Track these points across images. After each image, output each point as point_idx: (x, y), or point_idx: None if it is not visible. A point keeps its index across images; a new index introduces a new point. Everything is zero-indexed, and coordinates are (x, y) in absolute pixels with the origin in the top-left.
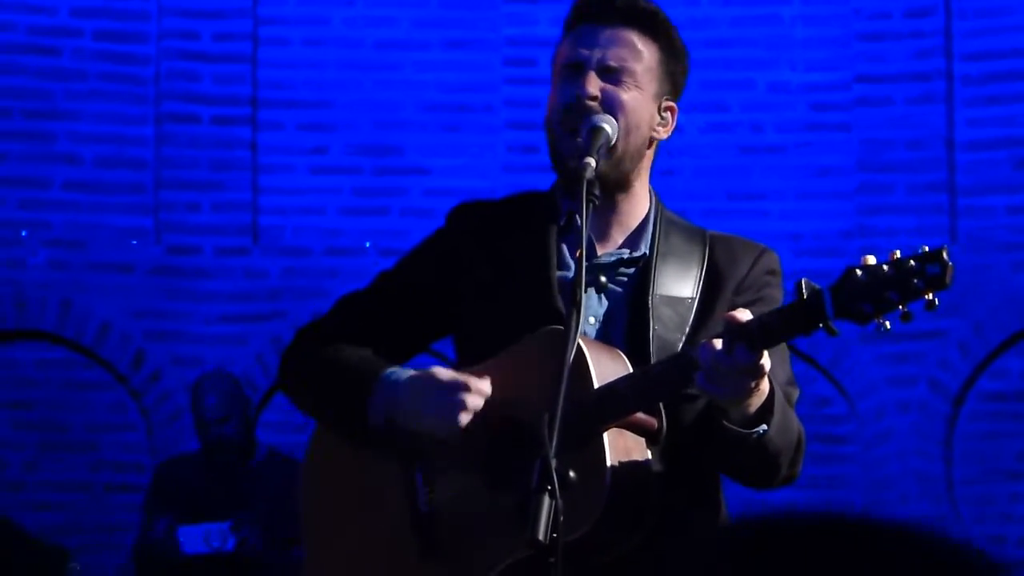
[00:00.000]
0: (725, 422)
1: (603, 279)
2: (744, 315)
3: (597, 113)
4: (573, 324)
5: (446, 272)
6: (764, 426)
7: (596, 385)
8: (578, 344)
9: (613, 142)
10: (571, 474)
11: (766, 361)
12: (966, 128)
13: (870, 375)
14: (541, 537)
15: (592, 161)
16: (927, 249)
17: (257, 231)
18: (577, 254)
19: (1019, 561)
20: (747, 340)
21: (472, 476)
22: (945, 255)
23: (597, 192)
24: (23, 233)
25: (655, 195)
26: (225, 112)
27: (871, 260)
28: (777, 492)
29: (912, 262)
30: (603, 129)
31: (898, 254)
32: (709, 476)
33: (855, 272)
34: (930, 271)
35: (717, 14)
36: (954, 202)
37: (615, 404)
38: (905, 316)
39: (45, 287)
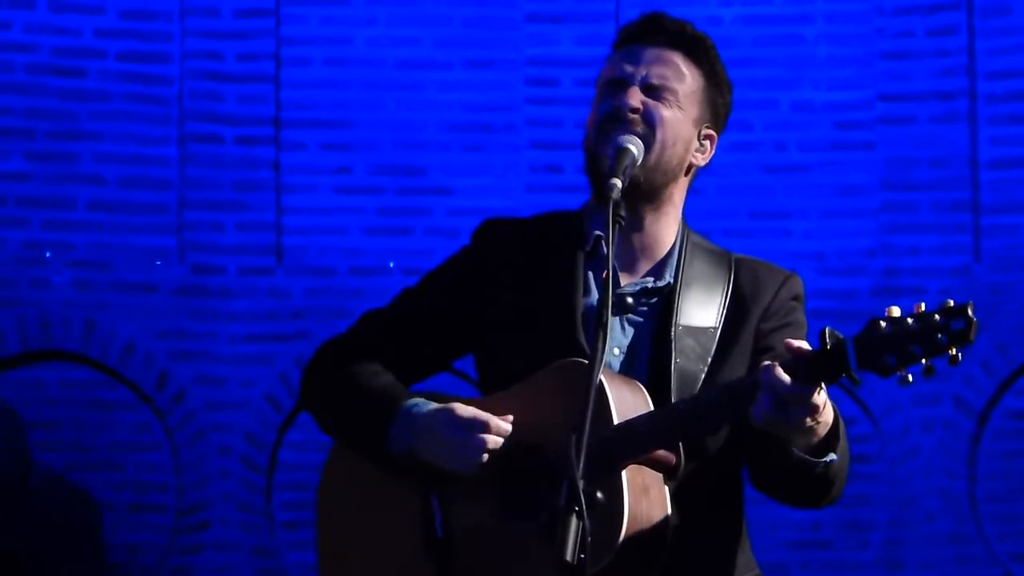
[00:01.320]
0: (795, 450)
1: (627, 308)
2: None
3: (637, 125)
4: (599, 351)
5: (470, 292)
6: (833, 455)
7: (616, 420)
8: (599, 378)
9: (639, 162)
10: (598, 495)
11: (821, 398)
12: (990, 147)
13: (894, 394)
14: (569, 558)
15: (618, 182)
16: (952, 304)
17: (281, 251)
18: (604, 278)
19: None
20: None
21: (488, 504)
22: (970, 311)
23: (623, 213)
24: (47, 254)
25: (684, 223)
26: (248, 132)
27: (895, 312)
28: (802, 512)
29: (937, 316)
30: (629, 150)
31: (923, 307)
32: (728, 509)
33: (879, 324)
34: (955, 327)
35: (739, 33)
36: (977, 221)
37: (638, 443)
38: (928, 370)
39: (69, 307)
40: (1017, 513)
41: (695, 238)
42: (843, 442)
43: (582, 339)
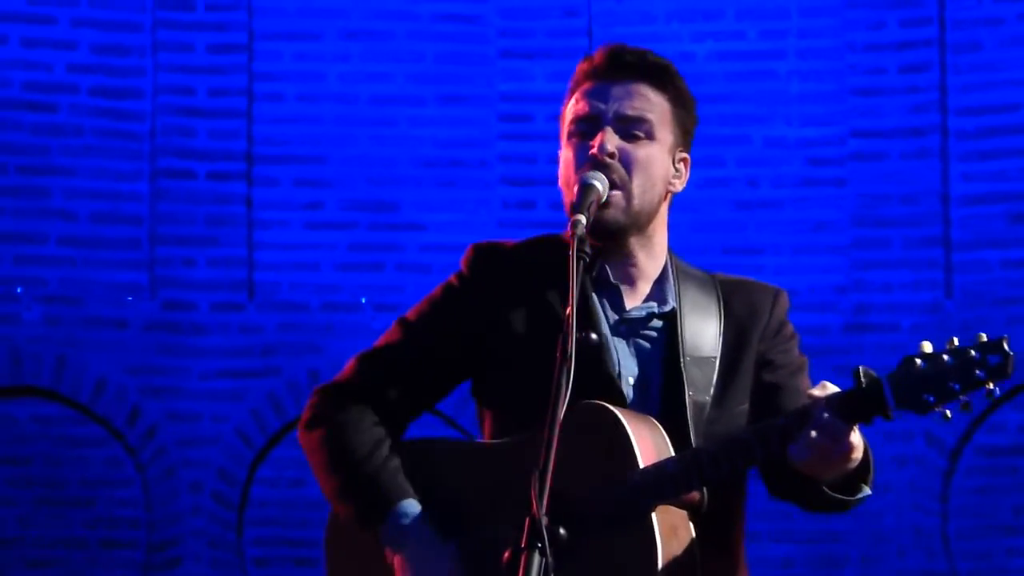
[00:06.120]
0: (826, 490)
1: (635, 333)
2: (827, 390)
3: (616, 172)
4: (564, 386)
5: (466, 323)
6: (867, 490)
7: (640, 461)
8: (619, 419)
9: (604, 199)
10: (561, 531)
11: (857, 437)
12: (961, 183)
13: (866, 430)
14: None
15: (582, 218)
16: (986, 339)
17: (252, 287)
18: (567, 312)
19: None
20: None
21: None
22: (1006, 345)
23: (588, 250)
24: (18, 289)
25: (668, 248)
26: (220, 168)
27: (928, 348)
28: (774, 548)
29: (973, 352)
30: (594, 186)
31: (956, 342)
32: (732, 539)
33: (915, 361)
34: (992, 361)
35: (712, 69)
36: (949, 257)
37: (667, 485)
38: (965, 406)
39: (40, 343)
40: (989, 550)
41: (680, 263)
42: (873, 469)
43: (597, 366)
